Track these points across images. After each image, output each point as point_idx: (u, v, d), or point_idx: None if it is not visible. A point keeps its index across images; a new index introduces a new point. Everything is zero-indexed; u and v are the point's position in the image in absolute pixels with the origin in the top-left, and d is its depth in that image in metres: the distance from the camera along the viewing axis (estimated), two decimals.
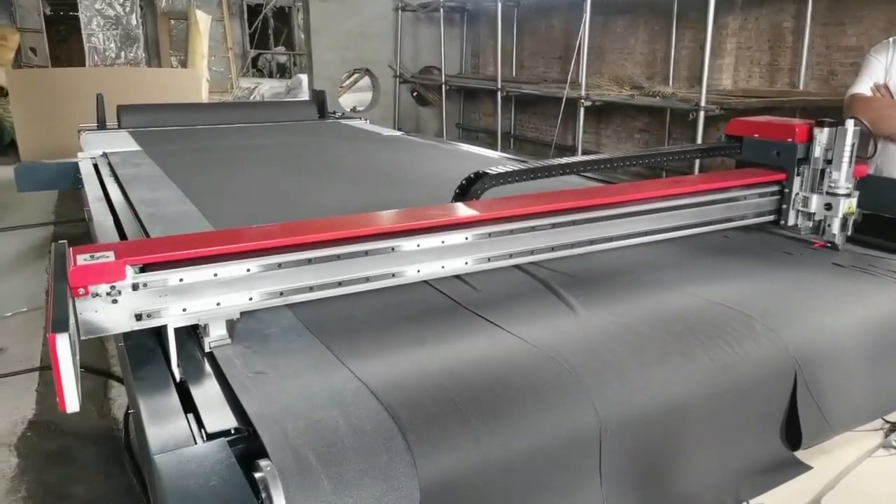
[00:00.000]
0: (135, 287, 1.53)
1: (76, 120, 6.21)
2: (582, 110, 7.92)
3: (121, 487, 2.46)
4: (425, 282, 2.01)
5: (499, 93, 9.55)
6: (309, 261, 1.76)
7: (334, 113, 6.96)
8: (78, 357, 1.31)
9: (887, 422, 1.90)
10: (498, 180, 2.28)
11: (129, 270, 1.52)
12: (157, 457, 1.19)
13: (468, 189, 2.26)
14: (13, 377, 3.22)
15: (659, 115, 8.06)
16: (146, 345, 1.64)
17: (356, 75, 12.48)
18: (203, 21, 13.53)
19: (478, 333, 1.71)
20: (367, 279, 1.84)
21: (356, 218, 1.99)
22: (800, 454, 1.70)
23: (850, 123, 2.30)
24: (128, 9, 12.11)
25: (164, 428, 1.29)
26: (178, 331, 1.59)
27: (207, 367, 1.57)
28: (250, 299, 1.69)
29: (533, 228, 2.07)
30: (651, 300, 1.92)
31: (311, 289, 1.77)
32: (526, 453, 1.35)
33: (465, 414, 1.33)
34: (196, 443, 1.25)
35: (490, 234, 2.00)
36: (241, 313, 1.69)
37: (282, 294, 1.73)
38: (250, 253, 1.69)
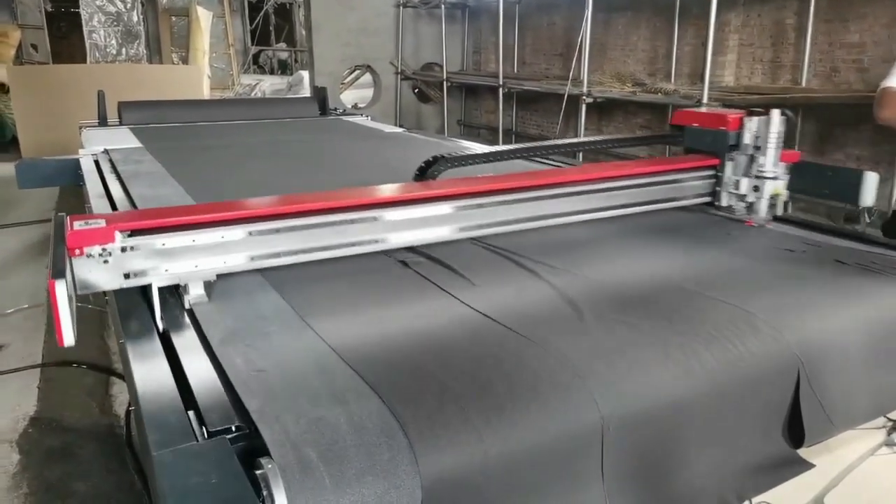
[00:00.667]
0: (123, 250, 1.78)
1: (77, 116, 6.20)
2: (584, 107, 7.90)
3: (122, 484, 2.46)
4: (426, 278, 2.04)
5: (500, 89, 9.53)
6: (277, 230, 2.00)
7: (336, 110, 6.95)
8: (74, 303, 1.57)
9: (890, 419, 1.90)
10: (453, 163, 2.55)
11: (119, 235, 1.78)
12: (157, 454, 1.18)
13: (426, 171, 2.49)
14: (15, 374, 3.22)
15: (661, 112, 8.04)
16: (148, 341, 1.64)
17: (357, 72, 12.47)
18: (204, 17, 13.52)
19: (480, 330, 1.71)
20: (328, 248, 2.08)
21: (322, 194, 2.22)
22: (802, 452, 1.70)
23: (775, 113, 2.54)
24: (129, 5, 12.11)
25: (165, 425, 1.29)
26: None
27: (190, 326, 1.74)
28: (224, 263, 1.94)
29: (480, 206, 2.33)
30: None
31: (278, 255, 2.00)
32: (528, 449, 1.34)
33: (466, 411, 1.33)
34: (197, 440, 1.24)
35: (445, 209, 2.27)
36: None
37: (252, 259, 1.98)
38: (224, 222, 1.94)
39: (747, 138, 2.61)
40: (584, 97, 7.81)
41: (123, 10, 12.05)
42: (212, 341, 1.62)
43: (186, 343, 1.66)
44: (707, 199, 2.81)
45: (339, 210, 2.11)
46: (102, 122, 5.74)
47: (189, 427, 1.28)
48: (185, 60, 14.23)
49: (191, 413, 1.34)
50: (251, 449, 1.23)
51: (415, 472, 1.21)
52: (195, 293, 1.87)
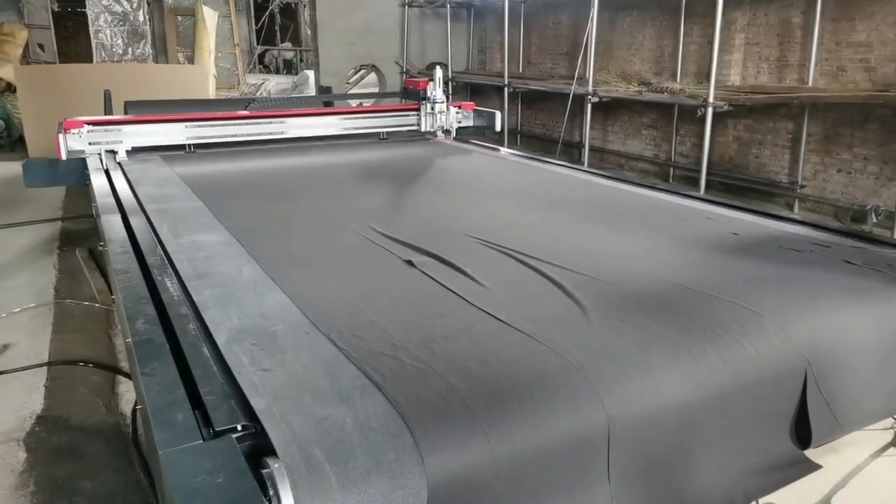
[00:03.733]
0: (88, 132, 4.56)
1: (84, 116, 6.21)
2: (589, 106, 7.89)
3: (129, 483, 2.46)
4: (433, 279, 2.06)
5: (506, 89, 9.52)
6: (159, 128, 4.66)
7: None
8: (68, 148, 4.50)
9: None
10: (258, 103, 5.59)
11: (86, 126, 4.59)
12: (164, 453, 1.19)
13: (246, 106, 5.37)
14: (22, 372, 3.23)
15: (667, 111, 8.02)
16: (154, 341, 1.64)
17: (362, 71, 12.45)
18: (210, 17, 13.53)
19: (488, 330, 1.71)
20: (206, 137, 4.87)
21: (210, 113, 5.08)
22: (809, 453, 1.69)
23: (438, 71, 5.48)
24: (135, 5, 12.12)
25: (171, 424, 1.29)
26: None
27: (118, 169, 4.10)
28: (133, 142, 4.62)
29: (268, 124, 5.12)
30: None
31: (160, 142, 4.74)
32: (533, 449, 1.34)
33: (472, 411, 1.33)
34: (203, 439, 1.24)
35: (255, 121, 5.06)
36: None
37: (147, 142, 4.65)
38: (134, 122, 4.68)
39: (430, 93, 5.36)
40: (589, 97, 7.79)
41: (129, 9, 12.05)
42: (217, 339, 1.67)
43: (116, 176, 3.84)
44: (416, 127, 5.59)
45: (199, 119, 4.84)
46: None
47: (195, 426, 1.28)
48: (190, 60, 14.24)
49: (197, 412, 1.34)
50: (258, 448, 1.23)
51: (421, 473, 1.20)
52: (121, 155, 4.53)
